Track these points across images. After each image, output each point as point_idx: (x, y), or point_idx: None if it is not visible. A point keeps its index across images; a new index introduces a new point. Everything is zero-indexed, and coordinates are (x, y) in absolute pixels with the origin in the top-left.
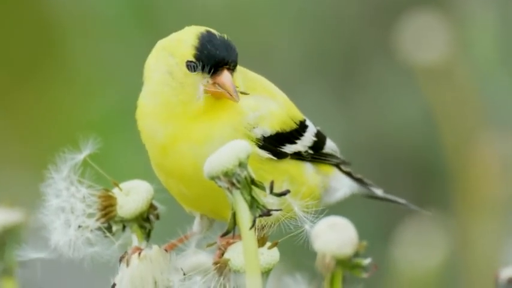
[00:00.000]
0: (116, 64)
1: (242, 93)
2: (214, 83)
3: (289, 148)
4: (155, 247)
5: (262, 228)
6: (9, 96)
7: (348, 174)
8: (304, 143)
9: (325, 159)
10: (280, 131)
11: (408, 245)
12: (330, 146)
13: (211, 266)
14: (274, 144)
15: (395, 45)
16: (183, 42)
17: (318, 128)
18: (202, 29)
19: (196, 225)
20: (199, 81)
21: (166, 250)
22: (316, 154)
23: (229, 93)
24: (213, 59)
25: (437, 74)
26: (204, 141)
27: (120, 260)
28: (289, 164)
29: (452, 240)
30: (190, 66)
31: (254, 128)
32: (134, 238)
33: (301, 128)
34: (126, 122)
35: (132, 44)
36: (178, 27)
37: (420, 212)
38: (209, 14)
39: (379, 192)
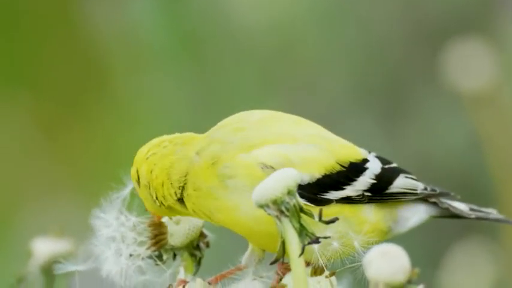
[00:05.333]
0: (164, 97)
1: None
2: None
3: (333, 194)
4: (198, 280)
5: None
6: (58, 127)
7: (434, 204)
8: (356, 188)
9: (392, 199)
10: (321, 177)
11: (456, 271)
12: (400, 184)
13: None
14: (314, 191)
15: (441, 73)
16: None
17: (392, 164)
18: None
19: (245, 259)
20: None
21: (209, 283)
22: (378, 195)
23: None
24: None
25: (484, 101)
26: (232, 211)
27: None
28: (339, 208)
29: (500, 267)
30: None
31: None
32: (181, 270)
33: (353, 171)
34: None
35: (181, 78)
36: (226, 60)
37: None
38: (256, 47)
39: (465, 209)
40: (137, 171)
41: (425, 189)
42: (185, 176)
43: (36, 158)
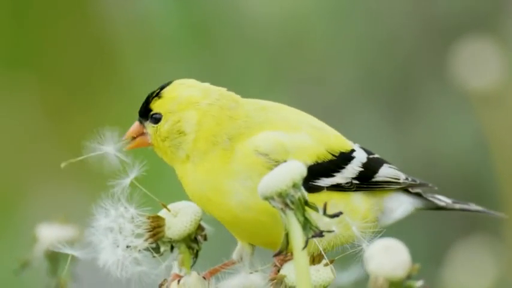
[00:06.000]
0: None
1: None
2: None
3: (324, 182)
4: (194, 274)
5: (325, 250)
6: (65, 113)
7: (417, 194)
8: (345, 175)
9: (378, 187)
10: (313, 164)
11: (458, 268)
12: (384, 173)
13: (264, 284)
14: (306, 178)
15: (449, 70)
16: None
17: (375, 155)
18: None
19: (236, 254)
20: None
21: (204, 278)
22: (365, 183)
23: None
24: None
25: (491, 100)
26: (225, 195)
27: (160, 287)
28: (329, 195)
29: (502, 265)
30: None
31: (281, 162)
32: (175, 264)
33: (342, 160)
34: None
35: (190, 66)
36: (235, 51)
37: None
38: (265, 38)
39: (448, 201)
40: (174, 111)
41: (407, 179)
42: (229, 140)
43: (42, 143)
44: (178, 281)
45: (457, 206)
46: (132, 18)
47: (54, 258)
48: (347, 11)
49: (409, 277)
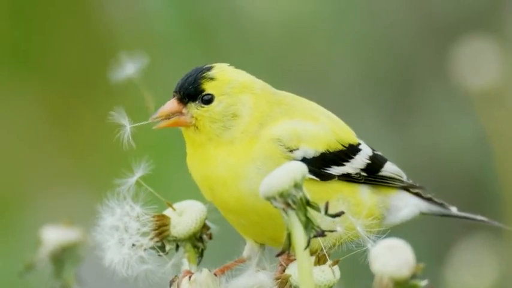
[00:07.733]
0: (171, 82)
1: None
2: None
3: (335, 170)
4: (205, 271)
5: (330, 248)
6: (65, 113)
7: (417, 194)
8: (354, 166)
9: (384, 182)
10: (324, 152)
11: (461, 267)
12: (389, 169)
13: (271, 283)
14: (318, 165)
15: (450, 69)
16: None
17: (378, 152)
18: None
19: (246, 251)
20: None
21: (215, 274)
22: (372, 176)
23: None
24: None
25: (492, 98)
26: (239, 179)
27: (171, 283)
28: (339, 185)
29: (504, 263)
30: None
31: (294, 150)
32: (185, 262)
33: (351, 150)
34: (179, 142)
35: (188, 63)
36: (235, 51)
37: (498, 228)
38: (265, 36)
39: (453, 210)
40: (228, 93)
41: (408, 179)
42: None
43: (47, 147)
44: (189, 277)
45: (462, 214)
46: (134, 18)
47: (59, 261)
48: (346, 11)
49: (413, 276)
